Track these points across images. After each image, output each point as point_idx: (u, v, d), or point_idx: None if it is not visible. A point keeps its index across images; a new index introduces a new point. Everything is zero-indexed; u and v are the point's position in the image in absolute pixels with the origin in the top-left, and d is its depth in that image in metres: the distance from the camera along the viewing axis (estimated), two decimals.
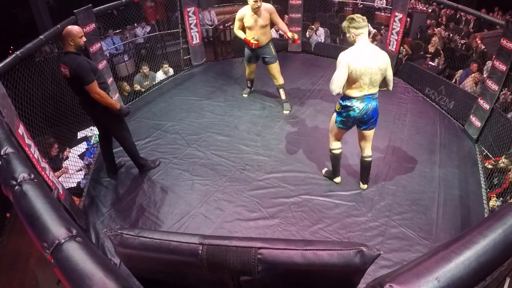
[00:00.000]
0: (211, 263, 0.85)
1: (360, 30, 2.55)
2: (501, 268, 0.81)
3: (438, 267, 0.74)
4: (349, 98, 2.70)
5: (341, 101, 2.77)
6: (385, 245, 2.70)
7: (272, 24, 4.18)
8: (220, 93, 5.03)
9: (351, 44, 2.63)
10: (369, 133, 2.94)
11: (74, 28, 2.71)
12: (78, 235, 0.99)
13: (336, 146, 3.08)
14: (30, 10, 8.32)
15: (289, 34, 4.02)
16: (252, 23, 3.96)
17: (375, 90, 2.68)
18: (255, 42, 3.97)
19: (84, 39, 2.75)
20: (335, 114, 2.89)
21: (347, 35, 2.62)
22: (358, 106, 2.69)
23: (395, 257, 2.59)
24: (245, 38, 4.01)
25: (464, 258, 0.75)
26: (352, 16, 2.60)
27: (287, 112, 4.48)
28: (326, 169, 3.42)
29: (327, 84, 5.54)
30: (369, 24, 7.14)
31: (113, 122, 3.04)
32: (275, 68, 4.27)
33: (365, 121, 2.81)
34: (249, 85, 4.91)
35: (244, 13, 3.99)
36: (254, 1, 3.83)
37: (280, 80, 4.36)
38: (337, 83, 2.60)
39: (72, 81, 2.73)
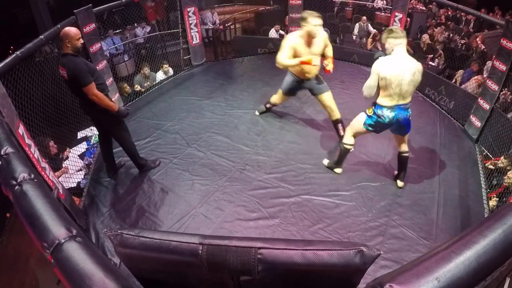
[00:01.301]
0: (211, 263, 0.85)
1: (398, 40, 2.63)
2: (501, 268, 0.81)
3: (438, 267, 0.74)
4: (381, 106, 2.77)
5: (373, 107, 2.85)
6: (385, 245, 2.70)
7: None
8: (220, 93, 5.03)
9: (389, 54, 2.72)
10: (404, 137, 3.05)
11: (72, 30, 2.68)
12: (78, 235, 0.99)
13: (351, 142, 3.16)
14: (30, 10, 8.32)
15: (329, 66, 3.37)
16: (304, 52, 3.23)
17: (407, 100, 2.75)
18: (316, 63, 3.28)
19: (81, 41, 2.72)
20: (364, 115, 2.94)
21: (386, 45, 2.71)
22: (388, 116, 2.76)
23: (395, 257, 2.59)
24: (301, 61, 3.20)
25: (464, 258, 0.75)
26: (391, 27, 2.75)
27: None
28: (327, 160, 3.49)
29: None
30: (369, 24, 7.22)
31: (112, 123, 3.04)
32: (329, 97, 3.58)
33: (397, 128, 2.93)
34: (267, 107, 4.29)
35: (296, 42, 3.23)
36: (315, 24, 3.12)
37: (337, 114, 3.64)
38: (367, 90, 2.77)
39: (70, 83, 2.72)
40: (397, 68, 2.61)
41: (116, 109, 2.90)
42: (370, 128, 2.93)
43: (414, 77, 2.66)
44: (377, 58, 2.79)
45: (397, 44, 2.64)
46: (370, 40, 6.68)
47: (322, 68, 3.42)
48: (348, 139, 3.15)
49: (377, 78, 2.67)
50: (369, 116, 2.89)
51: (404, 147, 3.11)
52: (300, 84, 3.60)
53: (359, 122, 2.99)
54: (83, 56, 4.08)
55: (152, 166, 3.51)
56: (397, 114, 2.75)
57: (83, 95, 2.73)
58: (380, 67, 2.65)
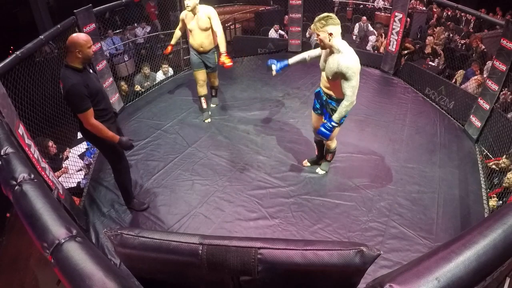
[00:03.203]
0: (211, 263, 0.85)
1: (338, 27, 2.41)
2: (501, 268, 0.81)
3: (438, 267, 0.74)
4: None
5: (334, 104, 2.74)
6: (385, 245, 2.70)
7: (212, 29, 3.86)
8: (220, 93, 5.03)
9: (327, 45, 2.46)
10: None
11: (81, 37, 2.25)
12: (78, 235, 0.99)
13: (336, 143, 3.16)
14: (30, 10, 8.33)
15: (222, 58, 3.69)
16: (192, 25, 3.80)
17: None
18: (167, 51, 4.22)
19: (93, 48, 2.34)
20: (336, 125, 2.70)
21: (323, 35, 2.41)
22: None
23: (395, 257, 2.59)
24: (170, 44, 4.15)
25: (464, 258, 0.75)
26: (326, 14, 2.41)
27: (214, 105, 4.62)
28: (319, 168, 3.44)
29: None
30: (369, 24, 7.21)
31: (108, 153, 2.71)
32: (214, 76, 4.31)
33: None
34: (204, 107, 4.29)
35: (184, 14, 3.87)
36: (186, 1, 3.65)
37: (216, 82, 4.45)
38: (356, 92, 2.53)
39: (65, 100, 2.34)
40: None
41: (116, 140, 2.48)
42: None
43: None
44: (271, 66, 2.88)
45: (339, 33, 2.42)
46: (372, 39, 6.67)
47: (221, 64, 3.74)
48: (333, 145, 3.14)
49: (358, 75, 2.47)
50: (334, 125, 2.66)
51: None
52: (199, 56, 4.00)
53: (336, 132, 2.89)
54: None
55: (136, 207, 3.07)
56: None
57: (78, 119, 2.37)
58: (358, 63, 2.45)
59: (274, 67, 3.01)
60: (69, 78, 2.21)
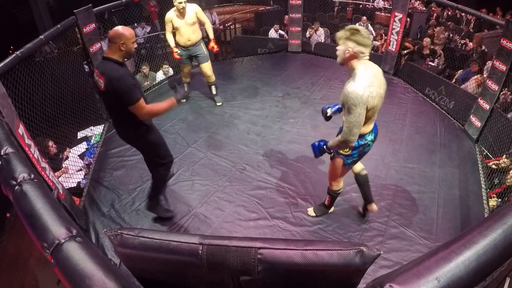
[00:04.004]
0: (211, 263, 0.85)
1: (368, 48, 1.97)
2: (501, 268, 0.81)
3: (438, 267, 0.74)
4: (363, 135, 2.21)
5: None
6: (385, 245, 2.70)
7: (201, 22, 4.26)
8: (220, 93, 5.02)
9: (340, 64, 2.07)
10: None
11: (127, 30, 2.18)
12: (78, 235, 0.99)
13: (341, 185, 2.69)
14: (30, 10, 8.33)
15: (211, 44, 4.26)
16: (180, 23, 4.06)
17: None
18: (178, 57, 4.23)
19: (135, 44, 2.25)
20: (339, 158, 2.39)
21: (341, 48, 2.00)
22: (372, 139, 2.28)
23: (395, 257, 2.59)
24: (172, 47, 4.21)
25: (464, 258, 0.75)
26: (355, 27, 1.97)
27: (220, 104, 4.69)
28: (311, 208, 3.00)
29: (327, 84, 5.52)
30: (369, 24, 7.21)
31: (149, 154, 2.61)
32: (207, 66, 4.39)
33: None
34: (185, 89, 4.73)
35: (171, 15, 4.07)
36: (178, 3, 3.91)
37: (212, 77, 4.52)
38: (357, 132, 2.04)
39: (107, 96, 2.22)
40: (378, 86, 1.99)
41: (175, 102, 2.39)
42: (351, 166, 2.47)
43: (385, 85, 2.09)
44: (330, 116, 2.43)
45: (365, 52, 1.97)
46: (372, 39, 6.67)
47: (211, 48, 4.31)
48: (336, 186, 2.68)
49: (365, 111, 1.98)
50: (347, 156, 2.34)
51: (359, 164, 2.62)
52: (187, 52, 4.27)
53: (339, 168, 2.45)
54: (86, 58, 4.11)
55: (161, 214, 2.94)
56: (375, 131, 2.29)
57: (121, 111, 2.23)
58: (366, 96, 1.93)
59: (329, 111, 2.55)
60: (115, 70, 2.13)
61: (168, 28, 4.14)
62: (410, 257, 2.54)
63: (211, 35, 4.26)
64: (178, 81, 5.40)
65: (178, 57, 4.23)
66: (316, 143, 2.38)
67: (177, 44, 4.22)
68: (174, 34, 4.26)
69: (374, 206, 2.81)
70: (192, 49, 4.24)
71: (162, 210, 2.93)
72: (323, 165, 3.49)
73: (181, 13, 4.03)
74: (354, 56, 1.98)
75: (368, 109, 1.99)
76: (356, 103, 1.93)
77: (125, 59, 2.24)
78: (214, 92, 4.67)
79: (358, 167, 2.64)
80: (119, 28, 2.16)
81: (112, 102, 2.25)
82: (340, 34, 2.00)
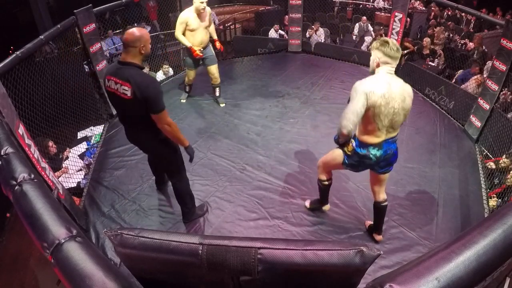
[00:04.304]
0: (211, 263, 0.85)
1: (392, 59, 2.02)
2: (501, 268, 0.81)
3: (438, 267, 0.74)
4: (366, 145, 2.18)
5: (355, 146, 2.24)
6: (385, 245, 2.69)
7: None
8: (220, 93, 5.03)
9: (371, 72, 2.13)
10: (385, 177, 2.43)
11: (145, 31, 2.08)
12: (78, 235, 0.99)
13: (326, 178, 2.69)
14: (30, 10, 8.34)
15: (218, 44, 4.29)
16: (196, 25, 3.91)
17: (396, 132, 2.19)
18: (201, 54, 4.04)
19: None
20: (341, 152, 2.36)
21: (372, 57, 2.09)
22: (375, 154, 2.19)
23: (395, 257, 2.59)
24: (191, 47, 3.98)
25: (464, 258, 0.75)
26: (386, 39, 2.05)
27: (223, 105, 4.65)
28: (308, 201, 3.02)
29: (327, 84, 5.52)
30: (369, 24, 7.21)
31: (169, 164, 2.55)
32: (215, 68, 4.36)
33: (382, 167, 2.33)
34: (187, 90, 4.80)
35: (188, 16, 3.88)
36: (200, 2, 3.77)
37: (218, 79, 4.50)
38: (351, 117, 2.00)
39: (132, 103, 2.06)
40: (390, 94, 2.00)
41: (187, 145, 2.39)
42: (349, 168, 2.40)
43: (405, 104, 2.06)
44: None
45: (388, 62, 2.03)
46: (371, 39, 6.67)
47: (219, 48, 4.36)
48: (322, 176, 2.67)
49: (365, 102, 1.99)
50: (348, 156, 2.31)
51: (383, 194, 2.51)
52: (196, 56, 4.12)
53: (336, 160, 2.42)
54: (86, 58, 4.12)
55: (200, 214, 2.92)
56: (386, 150, 2.19)
57: (147, 121, 2.15)
58: (370, 89, 1.99)
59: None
60: (142, 75, 2.05)
61: (181, 29, 3.93)
62: (410, 257, 2.53)
63: (215, 36, 4.25)
64: (179, 83, 5.40)
65: (201, 54, 4.04)
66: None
67: (187, 48, 4.09)
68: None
69: (379, 237, 2.71)
70: (203, 51, 4.14)
71: (198, 213, 2.91)
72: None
73: (200, 15, 3.87)
74: (380, 65, 2.07)
75: (368, 105, 2.00)
76: (356, 90, 2.02)
77: (143, 62, 2.16)
78: (217, 94, 4.65)
79: (381, 196, 2.52)
80: (136, 31, 2.04)
81: (137, 109, 2.09)
82: (373, 44, 2.11)
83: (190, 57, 4.18)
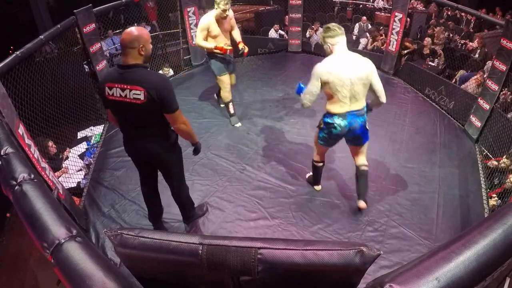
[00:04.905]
0: (211, 263, 0.85)
1: (336, 38, 2.37)
2: (501, 268, 0.81)
3: (438, 267, 0.73)
4: (331, 114, 2.51)
5: (323, 117, 2.59)
6: (385, 245, 2.70)
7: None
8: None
9: (329, 55, 2.44)
10: (361, 149, 2.73)
11: (144, 31, 1.95)
12: (78, 235, 0.99)
13: (318, 159, 2.92)
14: (30, 10, 8.34)
15: (241, 45, 3.82)
16: (218, 31, 3.62)
17: (360, 105, 2.47)
18: (230, 47, 3.71)
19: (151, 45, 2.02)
20: (317, 129, 2.72)
21: (324, 46, 2.46)
22: (339, 124, 2.48)
23: (395, 257, 2.59)
24: (216, 46, 3.61)
25: (464, 258, 0.75)
26: (327, 25, 2.43)
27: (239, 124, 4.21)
28: (309, 174, 3.27)
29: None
30: (369, 24, 7.20)
31: (177, 168, 2.46)
32: (234, 78, 4.12)
33: (351, 139, 2.64)
34: (232, 112, 4.16)
35: (209, 21, 3.56)
36: (224, 6, 3.43)
37: (233, 81, 4.18)
38: (307, 97, 2.51)
39: (146, 107, 1.92)
40: (341, 68, 2.34)
41: (197, 140, 2.34)
42: (322, 143, 2.69)
43: (363, 74, 2.36)
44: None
45: (335, 43, 2.38)
46: (370, 40, 6.67)
47: (242, 53, 3.88)
48: (315, 157, 2.93)
49: (318, 83, 2.39)
50: (320, 129, 2.64)
51: (362, 160, 2.76)
52: (225, 59, 3.85)
53: (315, 136, 2.75)
54: (86, 58, 4.11)
55: (200, 214, 2.93)
56: (351, 121, 2.48)
57: (158, 126, 2.08)
58: (321, 71, 2.38)
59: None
60: (157, 75, 1.99)
61: (202, 36, 3.61)
62: (410, 257, 2.53)
63: (239, 38, 3.88)
64: (179, 82, 5.39)
65: (230, 47, 3.70)
66: (302, 86, 2.72)
67: (212, 53, 3.76)
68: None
69: (361, 204, 2.86)
70: (229, 56, 3.84)
71: (198, 213, 2.91)
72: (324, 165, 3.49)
73: (223, 19, 3.58)
74: (332, 48, 2.42)
75: (323, 83, 2.39)
76: (312, 74, 2.44)
77: (146, 63, 1.99)
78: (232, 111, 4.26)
79: (360, 161, 2.77)
80: (134, 30, 1.89)
81: (152, 113, 1.98)
82: (320, 37, 2.52)
83: (217, 61, 3.79)
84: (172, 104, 1.99)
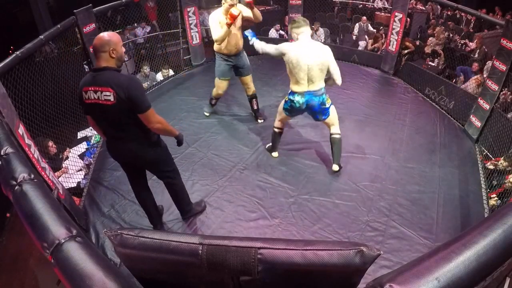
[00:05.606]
0: (211, 263, 0.85)
1: (301, 29, 2.83)
2: (501, 268, 0.81)
3: (438, 267, 0.74)
4: (293, 92, 2.98)
5: (288, 94, 3.05)
6: (385, 245, 2.69)
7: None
8: None
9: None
10: (328, 121, 3.18)
11: (114, 35, 1.99)
12: (78, 235, 0.99)
13: (278, 126, 3.41)
14: (30, 10, 8.34)
15: None
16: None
17: (316, 87, 2.90)
18: (236, 13, 3.33)
19: (124, 48, 2.06)
20: (283, 100, 3.18)
21: (292, 35, 2.92)
22: (298, 101, 2.97)
23: (395, 257, 2.59)
24: (227, 23, 3.38)
25: (464, 258, 0.75)
26: (294, 18, 2.98)
27: (262, 121, 4.27)
28: (269, 144, 3.67)
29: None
30: (369, 24, 7.20)
31: (170, 164, 2.51)
32: (250, 78, 4.04)
33: (312, 114, 3.13)
34: (213, 103, 4.32)
35: (219, 17, 3.49)
36: (231, 0, 3.35)
37: (253, 88, 4.13)
38: (265, 48, 3.06)
39: (117, 108, 1.96)
40: (301, 53, 2.77)
41: (177, 133, 2.36)
42: (286, 113, 3.19)
43: (320, 60, 2.79)
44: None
45: (300, 33, 2.84)
46: (370, 41, 6.67)
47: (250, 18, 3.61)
48: (276, 123, 3.41)
49: (276, 52, 2.92)
50: (285, 102, 3.12)
51: (333, 129, 3.22)
52: (229, 61, 3.81)
53: (280, 107, 3.25)
54: (86, 58, 4.11)
55: (198, 210, 2.96)
56: (308, 100, 2.95)
57: (135, 126, 2.08)
58: (285, 46, 2.85)
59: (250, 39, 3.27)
60: (122, 75, 1.97)
61: (219, 27, 3.49)
62: (410, 257, 2.53)
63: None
64: (179, 82, 5.39)
65: (235, 13, 3.32)
66: (252, 35, 3.25)
67: (220, 52, 3.70)
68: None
69: (334, 167, 3.28)
70: (238, 58, 3.77)
71: (196, 208, 2.94)
72: (324, 165, 3.50)
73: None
74: (298, 38, 2.88)
75: (285, 61, 2.89)
76: (278, 46, 2.96)
77: (119, 67, 2.02)
78: (255, 106, 4.24)
79: (332, 130, 3.23)
80: (105, 35, 1.95)
81: (124, 113, 2.00)
82: (289, 28, 2.99)
83: (222, 63, 3.78)
84: (143, 104, 1.98)
